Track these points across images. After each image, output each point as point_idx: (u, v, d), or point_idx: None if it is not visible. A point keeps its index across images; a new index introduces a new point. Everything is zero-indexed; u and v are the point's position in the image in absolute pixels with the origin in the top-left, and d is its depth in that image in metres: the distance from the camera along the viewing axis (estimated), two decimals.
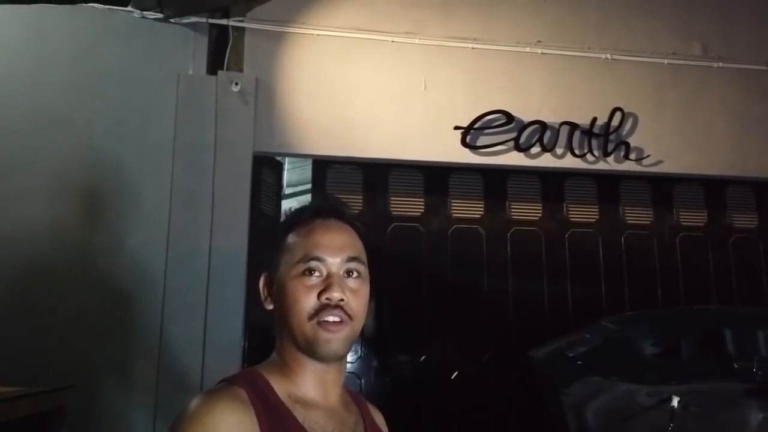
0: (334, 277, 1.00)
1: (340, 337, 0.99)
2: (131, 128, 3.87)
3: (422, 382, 4.16)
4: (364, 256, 1.06)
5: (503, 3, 4.52)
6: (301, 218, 1.07)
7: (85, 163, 3.79)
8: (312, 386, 1.01)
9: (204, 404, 0.90)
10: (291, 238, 1.05)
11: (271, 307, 1.06)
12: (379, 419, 1.17)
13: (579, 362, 3.28)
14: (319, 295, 0.99)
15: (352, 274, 1.03)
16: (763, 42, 4.82)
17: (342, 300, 0.99)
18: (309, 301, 0.99)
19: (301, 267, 1.01)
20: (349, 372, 4.12)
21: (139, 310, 3.68)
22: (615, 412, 3.08)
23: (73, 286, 3.61)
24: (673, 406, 2.79)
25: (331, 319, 0.98)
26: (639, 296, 4.43)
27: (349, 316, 1.00)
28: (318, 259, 1.01)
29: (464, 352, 4.25)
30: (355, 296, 1.01)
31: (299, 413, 0.96)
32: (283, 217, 1.12)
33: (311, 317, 0.98)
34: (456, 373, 4.19)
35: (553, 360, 3.35)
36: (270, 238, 1.13)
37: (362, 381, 4.15)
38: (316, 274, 1.01)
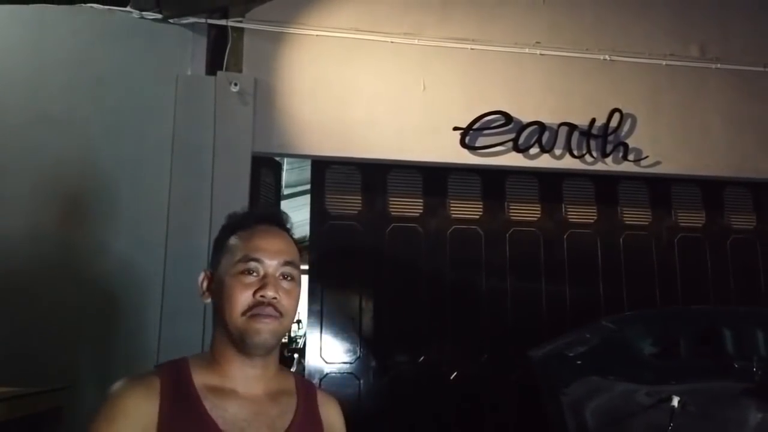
0: (270, 278, 1.09)
1: (269, 328, 1.07)
2: (130, 128, 3.86)
3: (421, 383, 4.15)
4: (298, 262, 1.15)
5: (502, 5, 4.53)
6: (243, 223, 1.16)
7: (83, 164, 3.78)
8: (233, 378, 1.09)
9: (112, 390, 1.03)
10: (233, 240, 1.14)
11: (208, 301, 1.15)
12: (329, 409, 1.21)
13: (578, 362, 3.28)
14: (255, 292, 1.07)
15: (287, 277, 1.12)
16: (760, 44, 4.84)
17: (275, 298, 1.08)
18: (245, 298, 1.07)
19: (241, 266, 1.09)
20: (347, 373, 4.12)
21: (137, 310, 3.67)
22: (614, 411, 3.08)
23: (71, 286, 3.60)
24: (673, 406, 2.79)
25: (263, 312, 1.07)
26: (637, 297, 4.44)
27: (280, 313, 1.08)
28: (257, 260, 1.09)
29: (463, 352, 4.25)
30: (287, 296, 1.10)
31: (209, 402, 1.04)
32: (226, 221, 1.21)
33: (245, 312, 1.06)
34: (455, 373, 4.19)
35: (552, 360, 3.34)
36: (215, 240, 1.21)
37: (361, 381, 4.14)
38: (254, 274, 1.09)
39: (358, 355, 4.16)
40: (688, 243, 4.67)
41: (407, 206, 4.40)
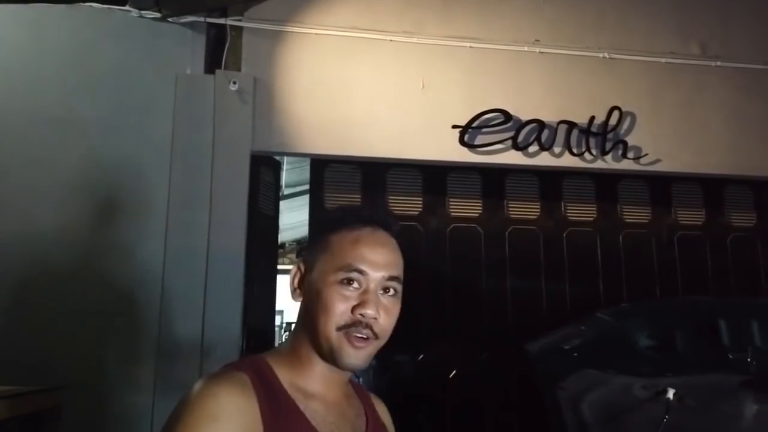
0: (371, 294, 1.00)
1: (363, 354, 0.99)
2: (129, 128, 3.86)
3: (420, 381, 4.15)
4: (402, 275, 1.05)
5: (501, 3, 4.52)
6: (349, 221, 1.05)
7: (82, 163, 3.78)
8: (316, 381, 1.02)
9: (206, 387, 0.90)
10: (335, 239, 1.03)
11: (299, 300, 1.06)
12: (381, 408, 1.18)
13: (574, 355, 3.27)
14: (354, 309, 0.98)
15: (389, 291, 1.03)
16: (761, 41, 4.83)
17: (375, 318, 0.99)
18: (342, 313, 0.98)
19: (341, 275, 0.99)
20: None
21: (136, 309, 3.68)
22: (611, 405, 3.08)
23: (70, 285, 3.60)
24: (669, 399, 2.79)
25: (359, 335, 0.98)
26: (637, 295, 4.42)
27: (376, 335, 1.00)
28: (360, 272, 1.00)
29: (463, 351, 4.25)
30: (387, 314, 1.02)
31: (301, 402, 0.97)
32: (330, 214, 1.13)
33: (340, 328, 0.98)
34: (454, 371, 4.19)
35: (548, 353, 3.34)
36: (316, 232, 1.12)
37: (360, 380, 4.13)
38: (355, 285, 1.00)
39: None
40: (688, 241, 4.67)
41: (407, 205, 4.39)
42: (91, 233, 3.71)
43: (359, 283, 1.00)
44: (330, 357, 0.99)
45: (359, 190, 4.35)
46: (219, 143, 3.87)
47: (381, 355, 3.85)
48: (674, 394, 2.83)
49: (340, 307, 0.98)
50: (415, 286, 4.69)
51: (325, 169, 4.35)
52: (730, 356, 3.15)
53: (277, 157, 4.50)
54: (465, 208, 4.46)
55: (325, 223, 1.08)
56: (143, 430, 3.45)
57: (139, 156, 3.84)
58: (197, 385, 0.92)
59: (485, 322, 4.29)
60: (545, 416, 3.24)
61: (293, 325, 1.10)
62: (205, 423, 0.86)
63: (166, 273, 3.69)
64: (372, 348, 1.00)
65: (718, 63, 4.68)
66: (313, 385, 1.02)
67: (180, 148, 3.85)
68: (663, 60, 4.60)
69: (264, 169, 4.24)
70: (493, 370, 4.20)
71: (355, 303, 0.99)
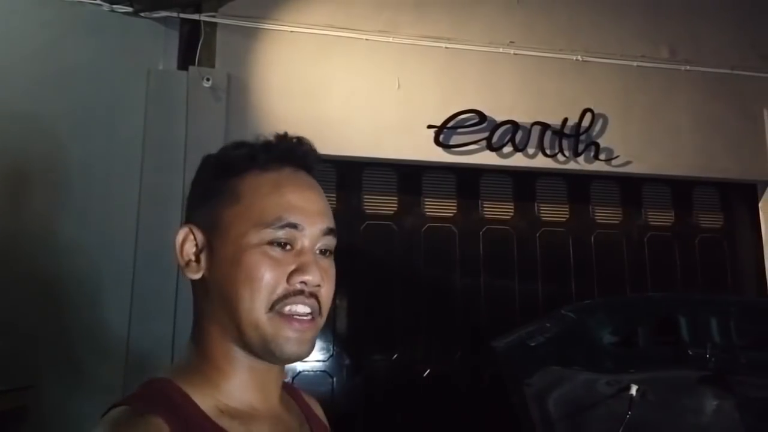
0: (310, 254, 0.76)
1: (308, 336, 0.75)
2: (99, 124, 3.79)
3: (394, 381, 4.16)
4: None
5: (476, 4, 4.56)
6: (259, 160, 0.78)
7: (50, 159, 3.70)
8: (248, 391, 0.76)
9: None
10: (246, 186, 0.76)
11: (197, 275, 0.77)
12: (318, 410, 0.95)
13: (539, 352, 3.31)
14: (290, 276, 0.74)
15: (326, 252, 0.79)
16: (728, 47, 4.94)
17: (318, 286, 0.75)
18: (274, 283, 0.73)
19: (269, 233, 0.73)
20: (320, 371, 4.11)
21: (106, 309, 3.61)
22: (576, 401, 3.13)
23: (37, 284, 3.52)
24: (632, 395, 2.85)
25: (301, 309, 0.74)
26: (608, 294, 4.49)
27: (320, 310, 0.76)
28: (293, 226, 0.74)
29: (436, 350, 4.27)
30: (328, 281, 0.78)
31: (237, 431, 0.72)
32: (220, 151, 0.80)
33: (273, 305, 0.73)
34: (428, 371, 4.20)
35: (514, 350, 3.38)
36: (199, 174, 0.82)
37: (334, 380, 4.13)
38: (286, 247, 0.75)
39: (331, 353, 4.15)
40: (658, 241, 4.76)
41: (382, 204, 4.40)
42: (59, 231, 3.63)
43: (292, 242, 0.75)
44: (261, 349, 0.73)
45: (334, 188, 4.33)
46: (192, 140, 3.82)
47: (355, 355, 3.84)
48: (637, 390, 2.88)
49: (270, 277, 0.72)
50: (390, 285, 4.72)
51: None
52: (690, 352, 3.22)
53: None
54: (440, 207, 4.47)
55: (224, 164, 0.79)
56: None
57: (110, 152, 3.77)
58: None
59: (459, 321, 4.31)
60: (513, 413, 3.27)
61: (192, 324, 0.81)
62: None
63: (136, 272, 3.63)
64: (316, 329, 0.76)
65: (687, 67, 4.78)
66: (246, 398, 0.76)
67: (151, 145, 3.79)
68: (634, 63, 4.69)
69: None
70: (467, 369, 4.22)
71: (291, 268, 0.74)
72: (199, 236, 0.78)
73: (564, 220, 4.65)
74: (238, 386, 0.76)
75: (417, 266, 4.33)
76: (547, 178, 4.63)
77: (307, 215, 0.76)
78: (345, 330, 4.17)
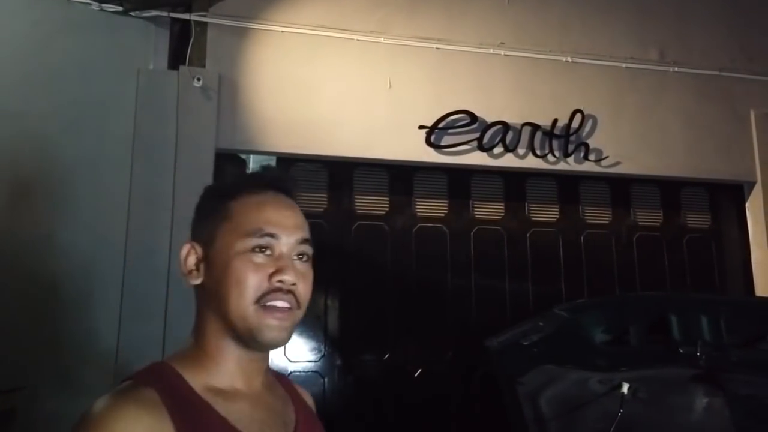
0: (287, 259, 0.93)
1: (286, 325, 0.92)
2: (89, 124, 3.77)
3: (386, 381, 4.16)
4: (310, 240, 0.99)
5: (467, 5, 4.57)
6: (247, 187, 0.97)
7: (39, 159, 3.67)
8: (233, 375, 0.93)
9: (109, 409, 0.80)
10: (236, 206, 0.94)
11: (197, 282, 0.95)
12: (309, 400, 1.11)
13: (533, 351, 3.33)
14: (270, 276, 0.91)
15: (303, 257, 0.96)
16: (717, 48, 4.99)
17: (294, 284, 0.92)
18: (258, 282, 0.90)
19: (251, 242, 0.91)
20: (312, 371, 4.10)
21: (96, 309, 3.59)
22: (569, 400, 3.15)
23: (26, 284, 3.49)
24: (623, 393, 2.87)
25: (280, 304, 0.91)
26: (598, 293, 4.53)
27: (298, 303, 0.93)
28: (272, 236, 0.92)
29: (428, 350, 4.28)
30: (305, 281, 0.95)
31: (221, 406, 0.88)
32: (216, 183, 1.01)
33: (257, 300, 0.90)
34: (419, 371, 4.21)
35: (507, 349, 3.39)
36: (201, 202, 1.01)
37: (326, 380, 4.13)
38: (267, 252, 0.92)
39: (322, 353, 4.15)
40: (647, 241, 4.80)
41: (373, 204, 4.40)
42: (48, 232, 3.61)
43: (272, 249, 0.92)
44: (248, 337, 0.90)
45: (325, 189, 4.33)
46: (182, 140, 3.81)
47: (346, 355, 3.85)
48: (628, 389, 2.90)
49: (254, 278, 0.90)
50: (381, 286, 4.73)
51: (291, 168, 4.32)
52: (681, 350, 3.25)
53: (243, 156, 4.45)
54: (431, 208, 4.48)
55: (219, 191, 0.99)
56: None
57: (99, 153, 3.75)
58: (97, 406, 0.81)
59: (450, 321, 4.33)
60: (505, 412, 3.29)
61: (195, 321, 0.99)
62: None
63: (126, 273, 3.61)
64: (294, 319, 0.94)
65: (676, 69, 4.83)
66: (230, 381, 0.92)
67: (141, 145, 3.77)
68: (623, 65, 4.72)
69: (229, 167, 4.18)
70: (458, 369, 4.23)
71: (270, 270, 0.91)
72: (199, 250, 0.96)
73: (554, 220, 4.67)
74: (225, 371, 0.92)
75: (408, 266, 4.34)
76: (538, 178, 4.65)
77: (284, 227, 0.94)
78: (336, 330, 4.17)
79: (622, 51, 4.76)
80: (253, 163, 5.54)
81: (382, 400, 4.13)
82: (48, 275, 3.54)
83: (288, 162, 4.30)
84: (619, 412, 2.85)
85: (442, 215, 4.49)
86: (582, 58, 4.65)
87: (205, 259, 0.94)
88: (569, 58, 4.63)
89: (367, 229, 4.32)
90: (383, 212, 4.39)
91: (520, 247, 4.55)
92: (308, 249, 0.97)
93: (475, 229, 4.51)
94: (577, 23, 4.75)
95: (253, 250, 0.91)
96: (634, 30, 4.84)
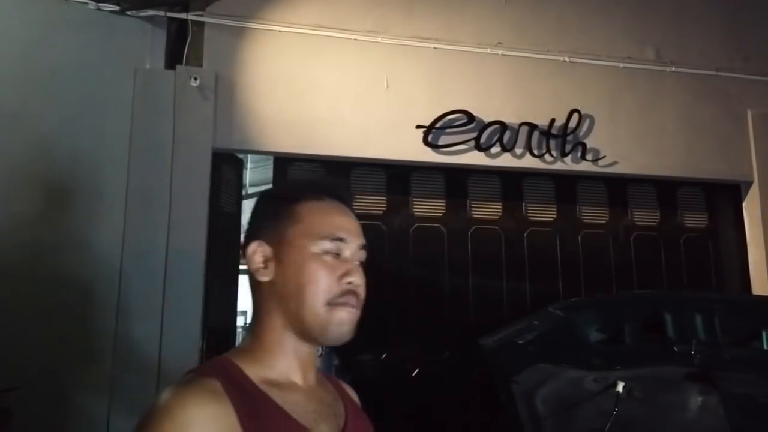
0: (353, 263, 0.99)
1: (353, 319, 0.98)
2: (86, 123, 3.76)
3: (383, 380, 4.16)
4: None
5: (465, 5, 4.58)
6: (312, 192, 1.02)
7: (37, 159, 3.67)
8: (290, 369, 0.97)
9: (175, 398, 0.84)
10: (304, 210, 0.99)
11: (267, 278, 0.98)
12: (354, 396, 1.16)
13: (528, 349, 3.34)
14: (340, 278, 0.96)
15: (361, 263, 1.01)
16: (713, 48, 5.00)
17: (360, 285, 0.98)
18: (330, 283, 0.95)
19: (325, 245, 0.96)
20: None
21: (93, 308, 3.58)
22: (563, 398, 3.15)
23: (24, 284, 3.48)
24: (618, 392, 2.87)
25: (348, 302, 0.97)
26: (595, 292, 4.53)
27: (360, 304, 0.99)
28: (342, 240, 0.97)
29: (425, 349, 4.27)
30: (364, 284, 1.00)
31: (278, 397, 0.92)
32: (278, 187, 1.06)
33: (329, 300, 0.95)
34: (417, 370, 4.21)
35: (502, 347, 3.40)
36: (263, 204, 1.06)
37: None
38: (337, 255, 0.97)
39: (320, 353, 4.14)
40: (644, 241, 4.80)
41: (371, 204, 4.40)
42: (46, 231, 3.60)
43: (341, 254, 0.97)
44: (317, 332, 0.95)
45: None
46: (179, 139, 3.80)
47: (344, 354, 3.82)
48: (623, 387, 2.91)
49: (326, 278, 0.95)
50: (379, 286, 4.68)
51: (288, 168, 4.31)
52: (675, 349, 3.26)
53: (241, 155, 4.45)
54: (428, 207, 4.49)
55: (282, 195, 1.04)
56: None
57: (97, 152, 3.74)
58: (164, 396, 0.85)
59: (448, 320, 4.33)
60: (501, 410, 3.29)
61: (251, 317, 1.04)
62: None
63: (123, 272, 3.61)
64: (357, 316, 0.99)
65: (673, 68, 4.84)
66: (287, 374, 0.97)
67: (139, 144, 3.77)
68: (620, 65, 4.73)
69: (226, 167, 4.18)
70: (455, 368, 4.23)
71: (340, 272, 0.96)
72: (267, 249, 0.99)
73: (551, 219, 4.68)
74: (282, 364, 0.97)
75: (406, 266, 4.34)
76: (535, 178, 4.66)
77: (350, 233, 0.99)
78: None
79: (619, 51, 4.76)
80: (251, 163, 5.55)
81: (379, 399, 4.12)
82: (44, 274, 3.53)
83: (285, 162, 4.30)
84: (614, 410, 2.85)
85: (440, 215, 4.49)
86: (579, 58, 4.66)
87: (275, 258, 0.98)
88: (566, 58, 4.63)
89: (365, 228, 4.26)
90: (381, 212, 4.39)
91: (518, 246, 4.55)
92: (365, 255, 1.02)
93: (473, 228, 4.51)
94: (575, 23, 4.75)
95: (325, 252, 0.96)
96: (631, 30, 4.85)
